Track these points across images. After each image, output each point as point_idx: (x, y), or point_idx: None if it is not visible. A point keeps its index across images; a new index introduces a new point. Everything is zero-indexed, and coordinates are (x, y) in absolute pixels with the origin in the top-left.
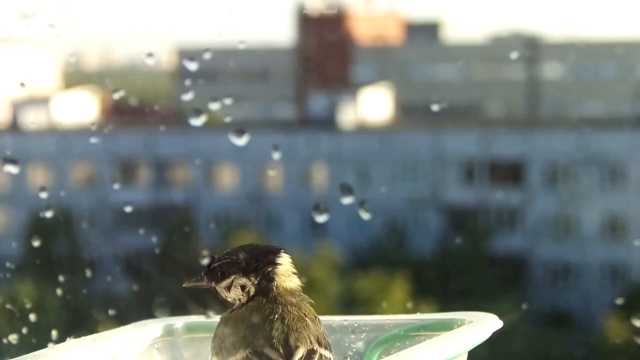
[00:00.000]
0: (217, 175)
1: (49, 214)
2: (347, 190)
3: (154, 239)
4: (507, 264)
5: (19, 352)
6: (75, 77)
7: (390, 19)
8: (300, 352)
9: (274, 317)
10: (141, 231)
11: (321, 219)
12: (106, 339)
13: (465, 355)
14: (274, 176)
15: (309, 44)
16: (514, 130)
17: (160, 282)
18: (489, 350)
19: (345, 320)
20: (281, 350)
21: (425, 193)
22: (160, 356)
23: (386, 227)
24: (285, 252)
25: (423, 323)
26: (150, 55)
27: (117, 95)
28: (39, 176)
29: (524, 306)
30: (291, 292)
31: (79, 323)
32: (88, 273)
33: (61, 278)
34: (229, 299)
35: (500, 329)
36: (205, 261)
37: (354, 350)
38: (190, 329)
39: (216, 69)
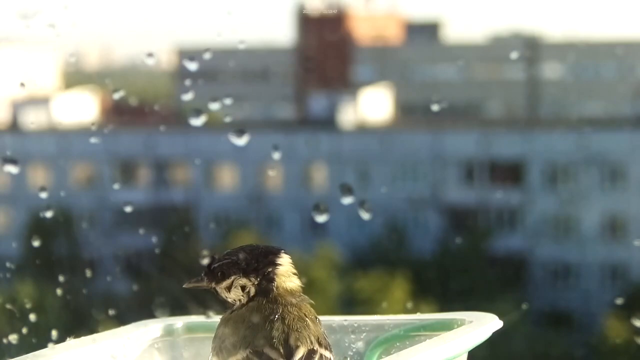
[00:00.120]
0: (217, 175)
1: (49, 214)
2: (347, 190)
3: (154, 239)
4: (507, 264)
5: (19, 352)
6: (75, 77)
7: (390, 19)
8: (301, 352)
9: (274, 317)
10: (141, 231)
11: (321, 219)
12: (106, 339)
13: (465, 355)
14: (274, 176)
15: (309, 44)
16: (514, 130)
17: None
18: (489, 350)
19: (345, 320)
20: (281, 350)
21: (425, 193)
22: (160, 356)
23: (386, 227)
24: (286, 253)
25: (423, 323)
26: (150, 55)
27: (117, 95)
28: (39, 176)
29: (524, 306)
30: (291, 293)
31: (79, 323)
32: (88, 273)
33: (61, 278)
34: (229, 300)
35: (500, 329)
36: (205, 261)
37: (354, 350)
38: (190, 329)
39: (216, 69)
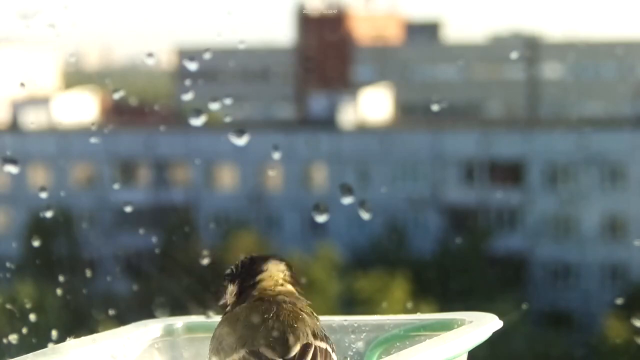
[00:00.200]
0: (217, 175)
1: (49, 214)
2: (347, 190)
3: (154, 239)
4: (507, 264)
5: (19, 352)
6: (75, 77)
7: (390, 19)
8: (296, 348)
9: (270, 315)
10: (141, 231)
11: (321, 219)
12: (106, 339)
13: (465, 355)
14: (274, 176)
15: (309, 44)
16: (514, 130)
17: (160, 282)
18: (489, 350)
19: (345, 320)
20: (277, 349)
21: (425, 193)
22: (160, 356)
23: (386, 227)
24: (280, 260)
25: (423, 323)
26: (150, 55)
27: (117, 95)
28: (39, 176)
29: (524, 306)
30: (286, 294)
31: (79, 323)
32: (88, 273)
33: (61, 278)
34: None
35: (500, 329)
36: (205, 261)
37: (354, 350)
38: (190, 329)
39: (216, 69)
